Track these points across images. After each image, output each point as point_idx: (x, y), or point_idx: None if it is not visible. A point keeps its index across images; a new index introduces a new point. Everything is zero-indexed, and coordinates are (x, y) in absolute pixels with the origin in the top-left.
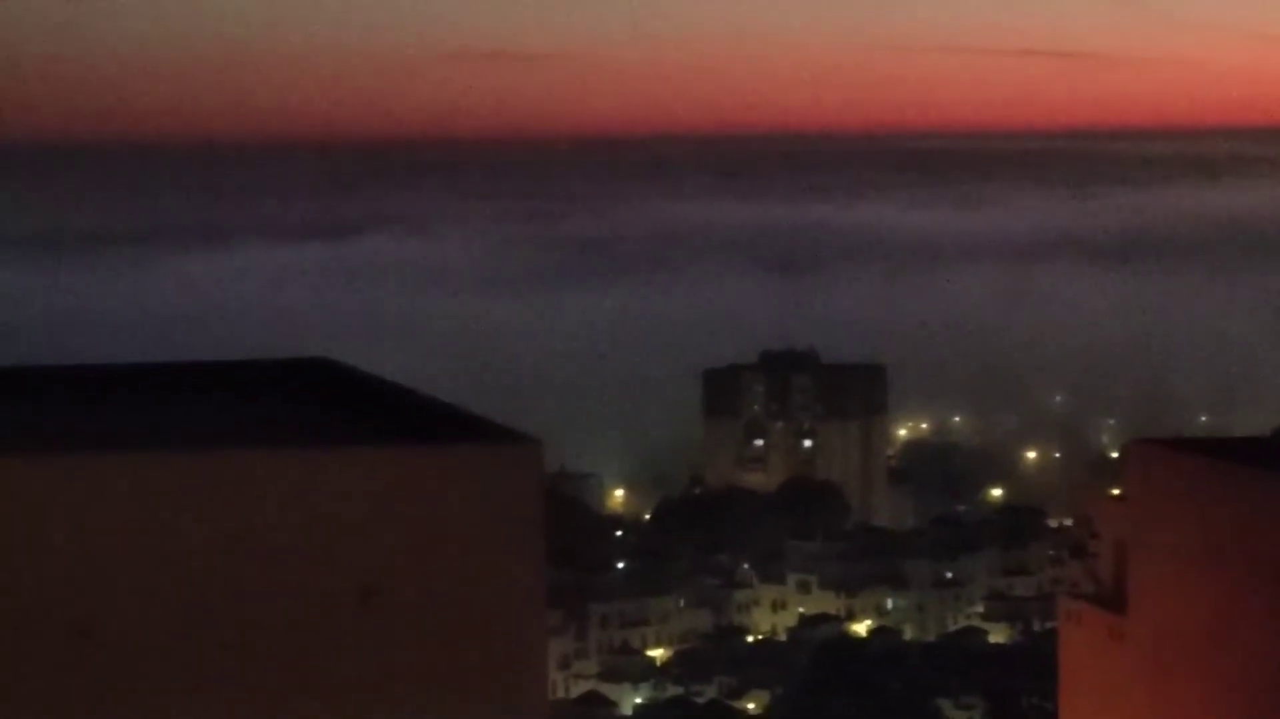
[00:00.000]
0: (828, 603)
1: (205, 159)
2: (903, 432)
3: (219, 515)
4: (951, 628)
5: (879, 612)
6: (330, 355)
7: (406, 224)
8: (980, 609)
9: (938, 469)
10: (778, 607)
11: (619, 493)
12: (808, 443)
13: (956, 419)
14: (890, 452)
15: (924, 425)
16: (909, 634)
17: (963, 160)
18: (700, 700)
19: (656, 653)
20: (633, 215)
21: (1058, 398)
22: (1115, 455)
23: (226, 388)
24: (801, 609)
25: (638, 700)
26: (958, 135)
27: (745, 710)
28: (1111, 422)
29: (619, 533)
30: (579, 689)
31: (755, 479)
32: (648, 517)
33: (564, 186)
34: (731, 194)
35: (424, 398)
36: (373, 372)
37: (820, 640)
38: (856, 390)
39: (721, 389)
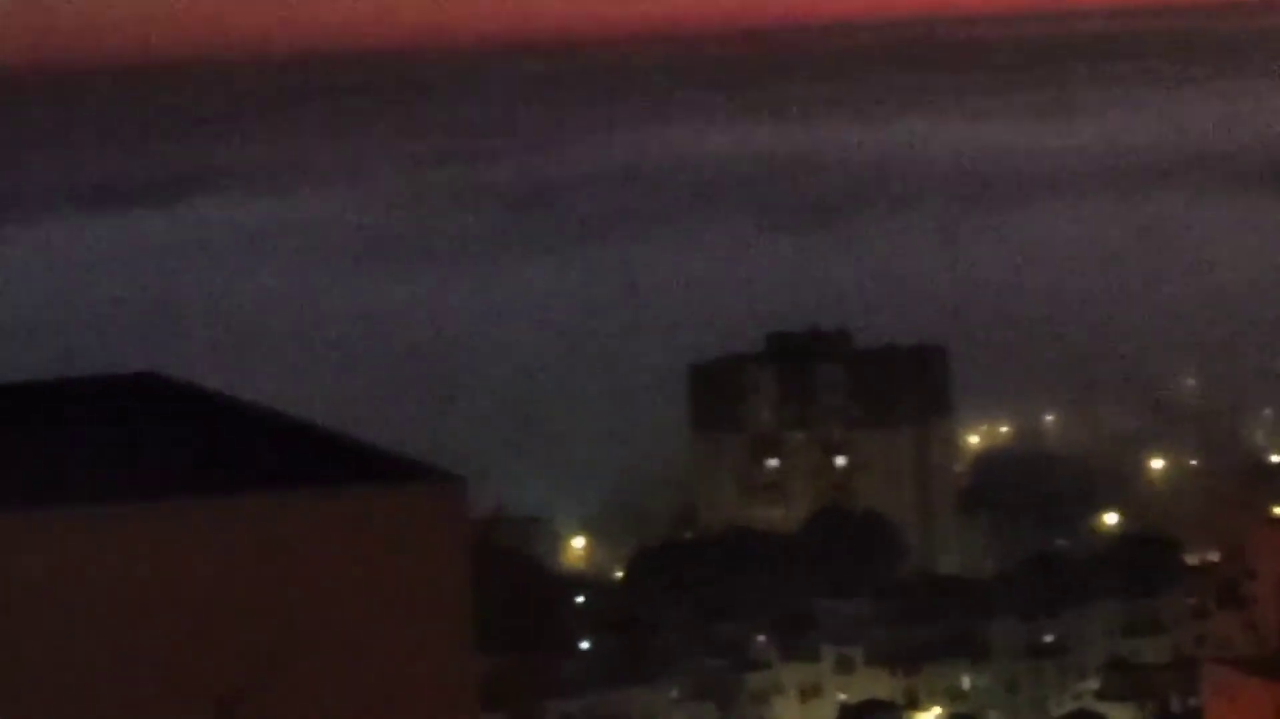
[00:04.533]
0: (880, 685)
1: None
2: (974, 439)
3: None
4: (1056, 713)
5: (952, 695)
6: (157, 368)
7: (259, 180)
8: (1094, 685)
9: (1026, 489)
10: (809, 694)
11: (579, 542)
12: (841, 460)
13: (1050, 418)
14: (959, 467)
15: (1004, 429)
16: None
17: (1041, 52)
18: None
19: None
20: (586, 152)
21: (1191, 382)
22: (1278, 460)
23: (29, 418)
24: (843, 696)
25: None
26: (1032, 16)
27: None
28: (1268, 412)
29: (581, 597)
30: None
31: (769, 514)
32: (620, 573)
33: (490, 116)
34: (721, 116)
35: (293, 422)
36: (217, 388)
37: None
38: (907, 384)
39: (717, 390)
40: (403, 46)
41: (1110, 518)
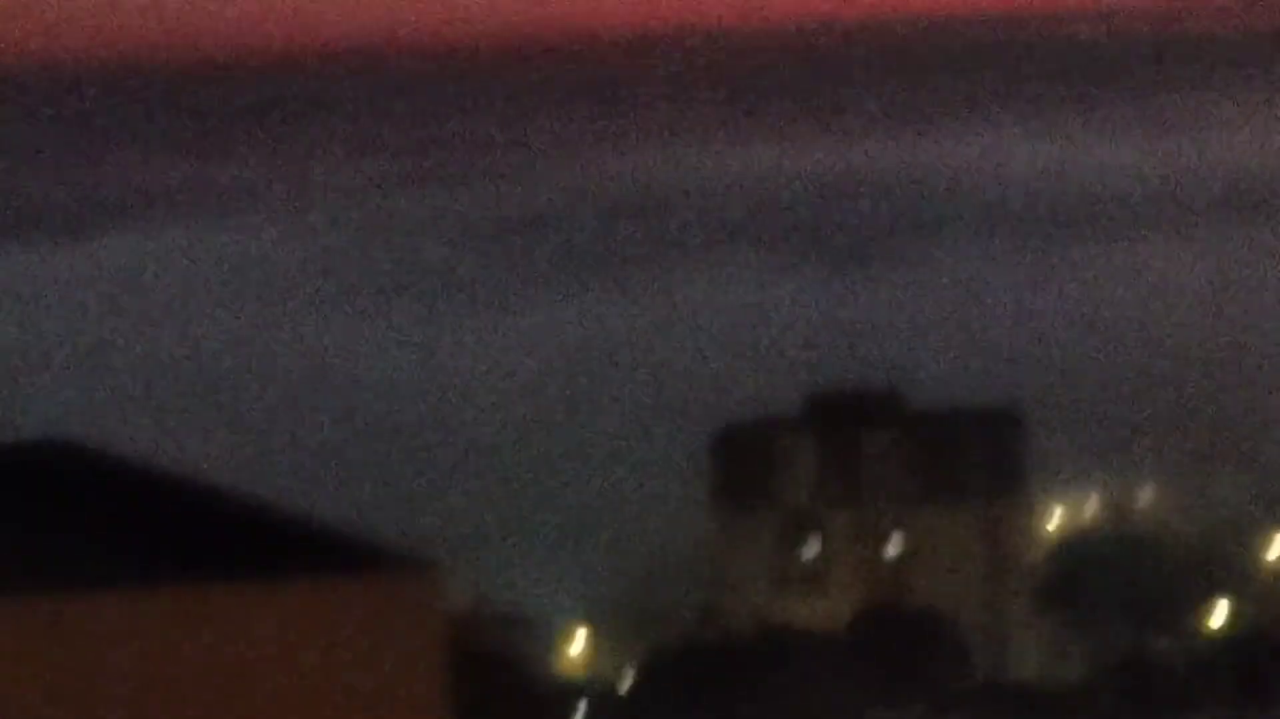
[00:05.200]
0: None
1: None
2: (1054, 520)
3: None
4: None
5: None
6: (69, 432)
7: (186, 207)
8: None
9: (1117, 580)
10: None
11: (578, 642)
12: (894, 546)
13: (1146, 494)
14: (1034, 555)
15: (1090, 508)
16: None
17: (1141, 54)
18: None
19: None
20: (582, 174)
21: None
22: None
23: None
24: None
25: None
26: (1129, 10)
27: None
28: None
29: (581, 710)
30: None
31: (807, 610)
32: (627, 681)
33: (466, 131)
34: (748, 131)
35: (229, 496)
36: (141, 455)
37: None
38: (972, 454)
39: (744, 461)
40: (362, 47)
41: (1220, 613)
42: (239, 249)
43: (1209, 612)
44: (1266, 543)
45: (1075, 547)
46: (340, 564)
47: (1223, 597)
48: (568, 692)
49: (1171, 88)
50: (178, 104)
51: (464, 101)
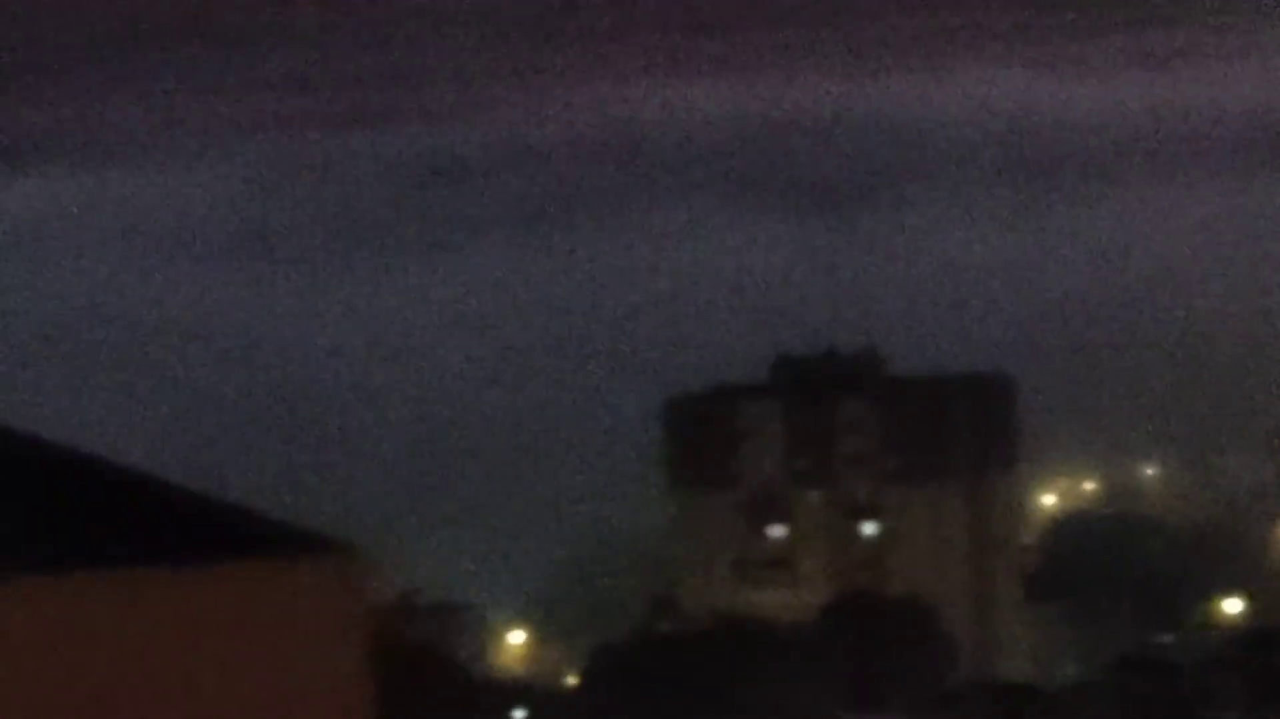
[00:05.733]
0: None
1: None
2: (1049, 499)
3: None
4: None
5: None
6: None
7: (73, 151)
8: None
9: (1118, 567)
10: None
11: (518, 636)
12: (870, 527)
13: (1149, 471)
14: (1028, 537)
15: (1088, 485)
16: None
17: None
18: None
19: None
20: (520, 112)
21: None
22: None
23: None
24: None
25: None
26: None
27: None
28: None
29: (521, 712)
30: None
31: (774, 600)
32: (574, 679)
33: (392, 65)
34: (701, 65)
35: (128, 474)
36: (25, 426)
37: None
38: (958, 425)
39: (703, 432)
40: None
41: (1233, 605)
42: (137, 197)
43: (1220, 604)
44: (1278, 528)
45: (1071, 530)
46: (247, 547)
47: (1235, 588)
48: (508, 690)
49: (1162, 22)
50: (70, 36)
51: (383, 37)
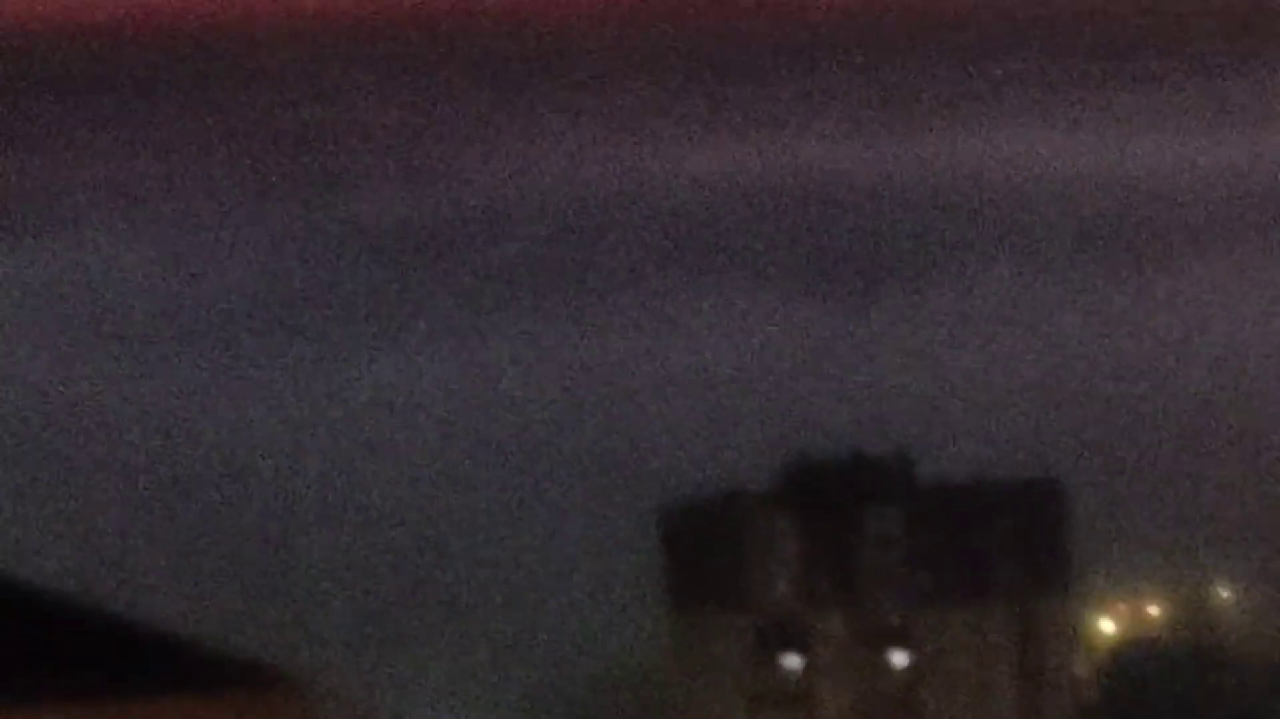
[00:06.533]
0: None
1: None
2: (1107, 625)
3: None
4: None
5: None
6: None
7: None
8: None
9: (1190, 700)
10: None
11: None
12: (899, 657)
13: (1224, 594)
14: (1082, 668)
15: (1152, 609)
16: None
17: (1207, 27)
18: None
19: None
20: (502, 176)
21: None
22: None
23: None
24: None
25: None
26: None
27: None
28: None
29: None
30: None
31: None
32: None
33: (357, 120)
34: (711, 124)
35: (71, 605)
36: None
37: None
38: (1002, 539)
39: (707, 547)
40: (222, 17)
41: None
42: (62, 268)
43: None
44: None
45: (1133, 661)
46: (199, 680)
47: None
48: None
49: (1245, 63)
50: None
51: (346, 88)
